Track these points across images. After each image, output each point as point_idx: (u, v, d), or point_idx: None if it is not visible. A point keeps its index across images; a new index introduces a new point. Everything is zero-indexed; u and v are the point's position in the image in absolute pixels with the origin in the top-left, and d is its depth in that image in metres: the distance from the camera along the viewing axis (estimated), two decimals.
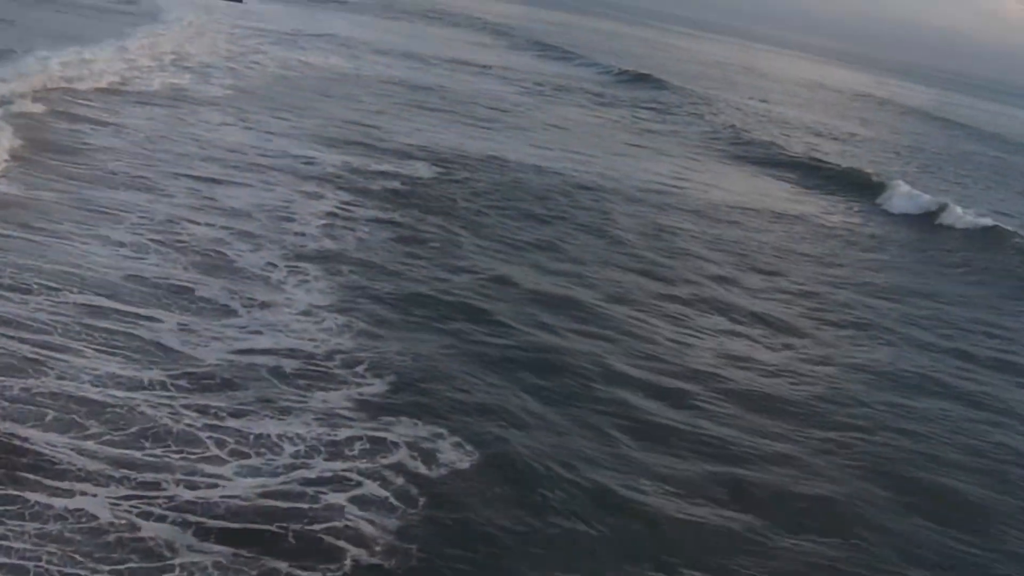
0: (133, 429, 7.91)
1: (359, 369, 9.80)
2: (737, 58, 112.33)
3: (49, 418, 7.80)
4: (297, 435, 8.34)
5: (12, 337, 8.94)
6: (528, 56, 56.50)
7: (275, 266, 12.30)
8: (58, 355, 8.82)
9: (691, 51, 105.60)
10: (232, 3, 56.67)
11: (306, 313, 10.96)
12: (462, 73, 39.50)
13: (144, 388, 8.59)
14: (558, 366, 10.86)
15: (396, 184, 17.75)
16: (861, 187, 28.67)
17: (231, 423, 8.33)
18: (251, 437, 8.18)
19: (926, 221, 25.54)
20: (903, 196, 27.17)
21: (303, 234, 13.84)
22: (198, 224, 13.27)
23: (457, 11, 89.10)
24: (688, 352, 12.28)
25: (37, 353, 8.77)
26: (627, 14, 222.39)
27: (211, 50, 31.35)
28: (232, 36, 37.59)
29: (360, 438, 8.47)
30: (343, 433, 8.53)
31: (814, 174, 30.03)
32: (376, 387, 9.51)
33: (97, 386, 8.43)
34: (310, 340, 10.26)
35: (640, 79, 50.53)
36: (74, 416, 7.91)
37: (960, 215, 25.55)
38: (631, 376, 11.07)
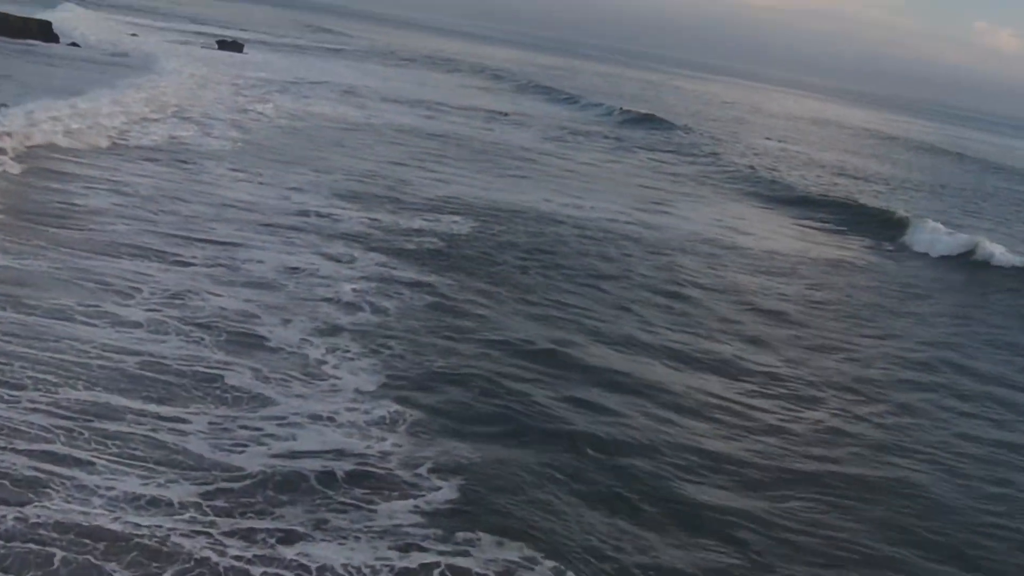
0: (169, 573, 6.36)
1: (421, 471, 8.21)
2: (743, 99, 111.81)
3: (57, 561, 6.21)
4: (365, 565, 6.74)
5: (2, 448, 7.39)
6: (536, 100, 55.35)
7: (310, 342, 10.75)
8: (62, 470, 7.25)
9: (696, 92, 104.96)
10: (231, 52, 55.55)
11: (352, 401, 9.39)
12: (475, 120, 38.18)
13: (174, 511, 7.00)
14: (631, 470, 9.12)
15: (430, 242, 16.22)
16: (892, 226, 27.12)
17: (285, 552, 6.73)
18: (313, 571, 6.59)
19: (963, 261, 24.02)
20: (936, 234, 25.67)
21: (337, 301, 12.30)
22: (219, 296, 11.74)
23: (455, 57, 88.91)
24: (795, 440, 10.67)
25: (35, 469, 7.20)
26: (624, 57, 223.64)
27: (213, 101, 30.03)
28: (234, 86, 36.31)
29: (438, 565, 6.89)
30: (417, 558, 6.93)
31: (846, 213, 28.71)
32: (444, 493, 7.91)
33: (114, 511, 6.84)
34: (361, 436, 8.67)
35: (652, 121, 49.35)
36: (88, 556, 6.32)
37: (998, 253, 24.14)
38: (731, 477, 9.47)
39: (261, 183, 18.56)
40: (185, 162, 19.41)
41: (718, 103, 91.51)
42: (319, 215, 16.73)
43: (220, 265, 13.02)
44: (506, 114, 42.37)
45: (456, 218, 18.41)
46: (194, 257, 13.13)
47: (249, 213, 15.98)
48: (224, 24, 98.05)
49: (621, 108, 53.39)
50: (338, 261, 14.19)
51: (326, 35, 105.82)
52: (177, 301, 11.25)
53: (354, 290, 12.84)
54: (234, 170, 19.35)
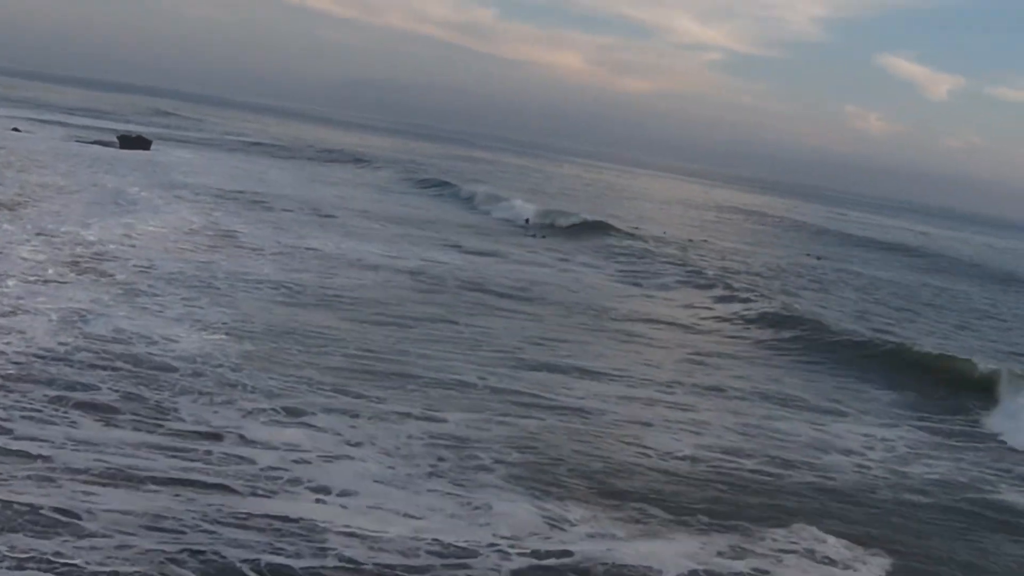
0: None
1: None
2: (640, 187, 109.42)
3: None
4: None
5: None
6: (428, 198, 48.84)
7: None
8: None
9: (594, 183, 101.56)
10: (136, 151, 48.57)
11: None
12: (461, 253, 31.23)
13: None
14: None
15: None
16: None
17: None
18: None
19: None
20: None
21: None
22: None
23: (363, 150, 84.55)
24: None
25: None
26: (510, 145, 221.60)
27: (151, 238, 23.08)
28: (168, 200, 29.97)
29: None
30: None
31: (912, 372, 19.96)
32: None
33: None
34: None
35: (588, 226, 43.04)
36: None
37: None
38: None
39: (330, 457, 10.79)
40: (136, 403, 11.61)
41: (628, 194, 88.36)
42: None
43: None
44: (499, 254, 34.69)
45: None
46: None
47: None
48: (96, 113, 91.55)
49: (542, 218, 44.94)
50: None
51: (184, 121, 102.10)
52: None
53: None
54: (253, 415, 11.63)
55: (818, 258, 46.81)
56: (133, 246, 21.78)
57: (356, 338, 16.51)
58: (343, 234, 30.17)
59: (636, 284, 29.12)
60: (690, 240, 46.47)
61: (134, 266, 19.56)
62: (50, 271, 17.61)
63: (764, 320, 24.10)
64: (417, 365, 15.18)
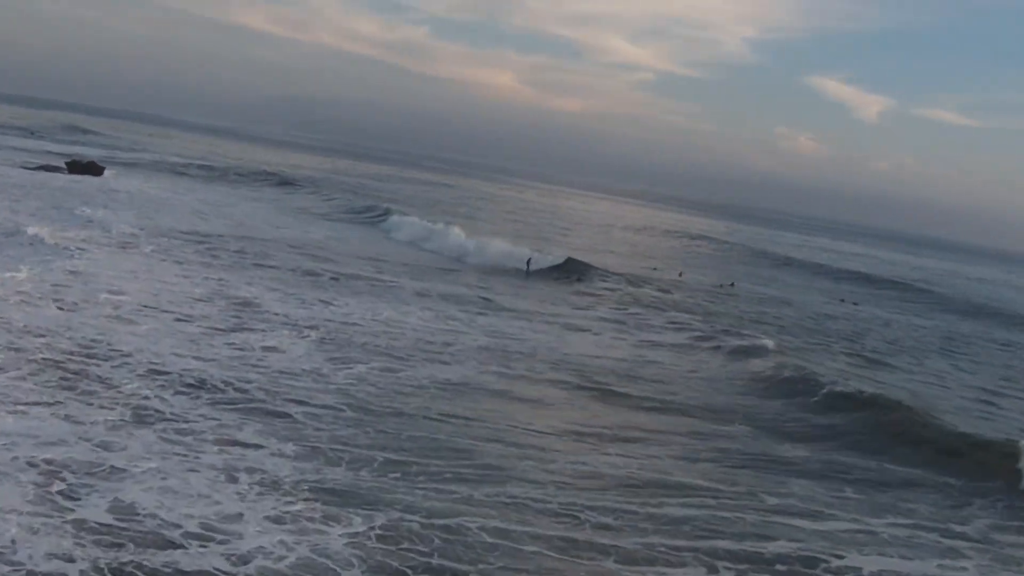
0: None
1: None
2: (589, 210, 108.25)
3: None
4: None
5: None
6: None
7: None
8: None
9: (534, 206, 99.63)
10: (87, 176, 45.59)
11: None
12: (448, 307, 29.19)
13: None
14: None
15: None
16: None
17: None
18: None
19: None
20: None
21: None
22: None
23: (295, 171, 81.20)
24: None
25: None
26: (434, 163, 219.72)
27: (154, 312, 20.20)
28: (146, 257, 27.11)
29: None
30: None
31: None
32: None
33: None
34: None
35: (560, 268, 40.37)
36: None
37: None
38: None
39: None
40: None
41: (573, 217, 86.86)
42: None
43: None
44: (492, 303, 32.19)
45: None
46: None
47: None
48: (19, 131, 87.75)
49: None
50: None
51: (105, 138, 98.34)
52: None
53: None
54: None
55: (855, 304, 46.12)
56: (134, 334, 18.16)
57: None
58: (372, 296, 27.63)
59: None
60: (719, 286, 44.35)
61: (140, 367, 16.09)
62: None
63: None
64: None
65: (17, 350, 15.60)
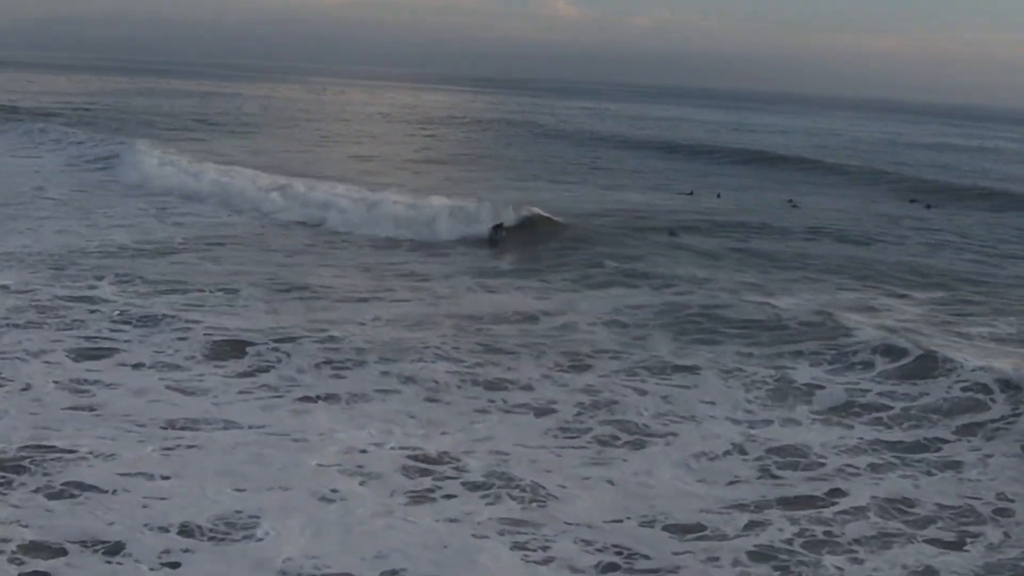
0: None
1: None
2: (372, 101, 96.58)
3: None
4: None
5: None
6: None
7: None
8: None
9: (318, 104, 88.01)
10: None
11: None
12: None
13: None
14: None
15: None
16: None
17: None
18: None
19: None
20: None
21: None
22: None
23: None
24: None
25: None
26: (194, 69, 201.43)
27: None
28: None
29: None
30: None
31: None
32: None
33: None
34: None
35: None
36: None
37: None
38: None
39: None
40: None
41: (366, 112, 76.97)
42: None
43: None
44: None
45: None
46: None
47: None
48: None
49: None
50: None
51: None
52: None
53: None
54: None
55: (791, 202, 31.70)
56: None
57: None
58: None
59: None
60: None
61: None
62: None
63: None
64: None
65: None
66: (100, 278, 16.08)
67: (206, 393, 11.10)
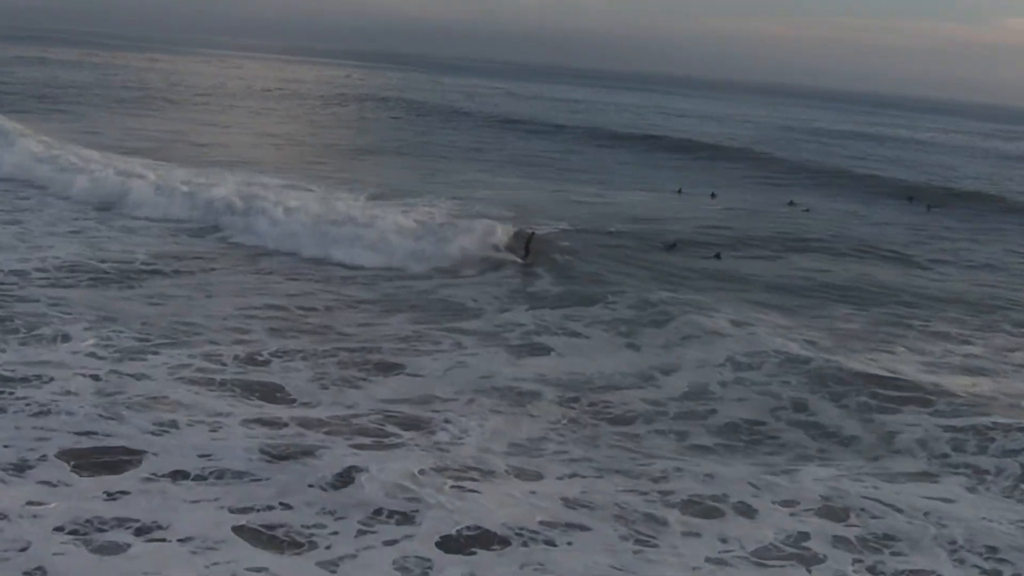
0: None
1: None
2: (251, 79, 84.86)
3: None
4: None
5: None
6: None
7: None
8: None
9: (189, 80, 75.38)
10: None
11: None
12: None
13: None
14: None
15: None
16: None
17: None
18: None
19: None
20: None
21: None
22: None
23: None
24: None
25: None
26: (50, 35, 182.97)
27: None
28: None
29: None
30: None
31: None
32: None
33: None
34: None
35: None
36: None
37: None
38: None
39: None
40: None
41: (235, 89, 65.04)
42: None
43: None
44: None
45: None
46: None
47: None
48: None
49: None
50: None
51: None
52: None
53: None
54: None
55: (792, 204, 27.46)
56: None
57: None
58: None
59: None
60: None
61: None
62: None
63: None
64: None
65: None
66: None
67: None
